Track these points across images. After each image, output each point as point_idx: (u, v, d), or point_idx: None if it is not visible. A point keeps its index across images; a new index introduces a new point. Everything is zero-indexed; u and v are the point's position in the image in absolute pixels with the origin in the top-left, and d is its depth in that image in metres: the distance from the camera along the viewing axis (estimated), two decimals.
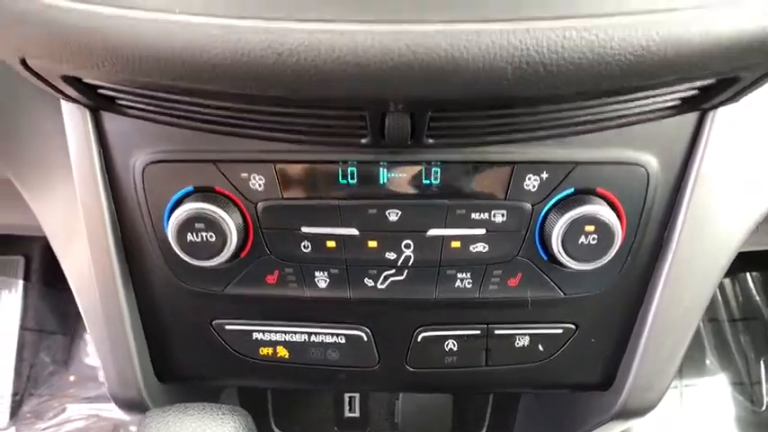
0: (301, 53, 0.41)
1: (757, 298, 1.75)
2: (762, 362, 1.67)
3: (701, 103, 0.55)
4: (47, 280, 1.78)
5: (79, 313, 0.68)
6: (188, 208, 0.56)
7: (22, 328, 1.73)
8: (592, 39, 0.40)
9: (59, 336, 1.79)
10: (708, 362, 1.69)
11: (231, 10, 0.41)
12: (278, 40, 0.41)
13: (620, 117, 0.54)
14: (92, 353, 1.74)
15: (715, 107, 0.56)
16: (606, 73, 0.42)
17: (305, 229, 0.60)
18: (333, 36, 0.40)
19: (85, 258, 0.63)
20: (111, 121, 0.58)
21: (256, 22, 0.41)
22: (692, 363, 1.67)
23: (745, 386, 1.67)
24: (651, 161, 0.57)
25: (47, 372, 1.74)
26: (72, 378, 1.74)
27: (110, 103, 0.55)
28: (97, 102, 0.55)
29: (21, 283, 1.76)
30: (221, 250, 0.58)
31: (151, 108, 0.54)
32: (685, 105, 0.55)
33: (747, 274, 1.75)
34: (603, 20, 0.41)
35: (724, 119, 0.57)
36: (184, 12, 0.41)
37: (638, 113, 0.54)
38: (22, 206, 0.71)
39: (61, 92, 0.54)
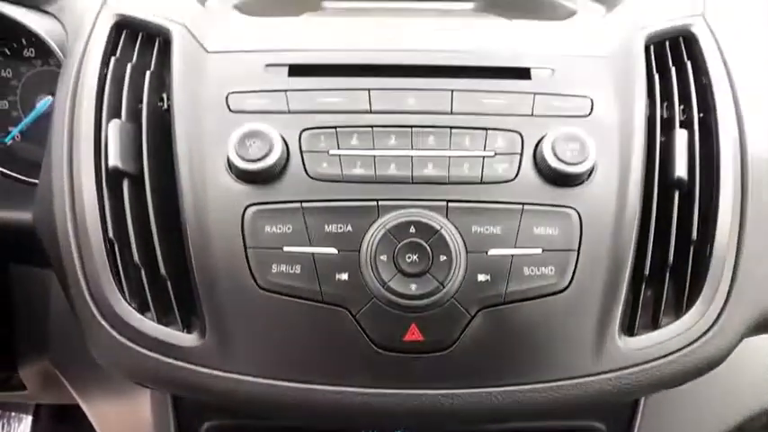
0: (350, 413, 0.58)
1: None
2: None
3: None
4: (55, 416, 1.85)
5: None
6: None
7: None
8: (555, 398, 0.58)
9: None
10: None
11: (313, 378, 0.57)
12: (341, 402, 0.57)
13: None
14: None
15: None
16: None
17: None
18: (372, 399, 0.57)
19: None
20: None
21: (333, 388, 0.57)
22: None
23: None
24: (601, 426, 0.74)
25: None
26: None
27: None
28: None
29: (30, 419, 1.84)
30: None
31: None
32: None
33: None
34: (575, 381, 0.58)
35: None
36: (278, 378, 0.57)
37: None
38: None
39: None
